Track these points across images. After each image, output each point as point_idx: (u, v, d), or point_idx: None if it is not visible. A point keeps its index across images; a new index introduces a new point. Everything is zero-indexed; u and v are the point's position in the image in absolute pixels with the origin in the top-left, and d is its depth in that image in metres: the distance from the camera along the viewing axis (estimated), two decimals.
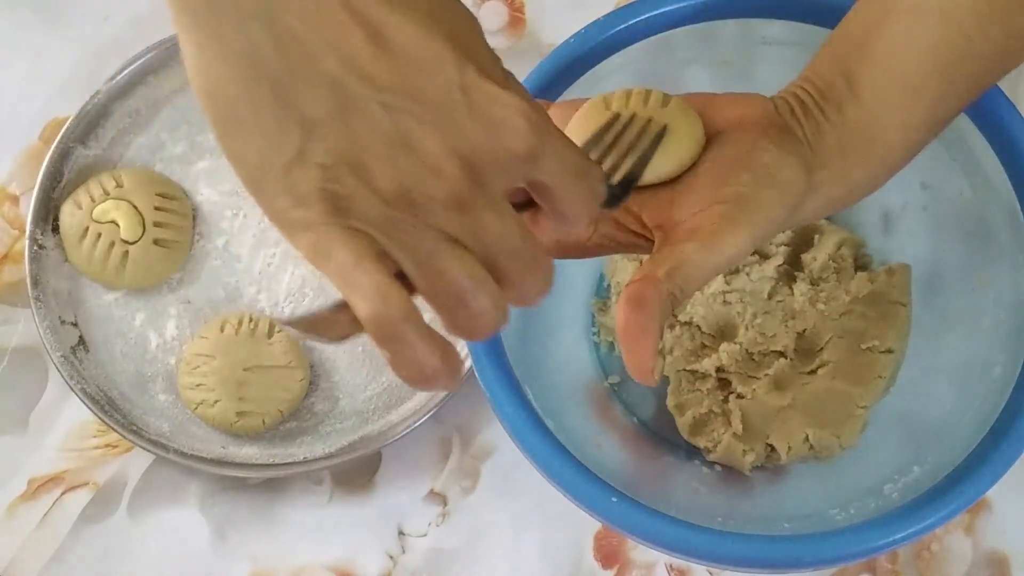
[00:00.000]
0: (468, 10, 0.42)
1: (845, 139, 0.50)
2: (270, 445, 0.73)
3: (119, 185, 0.74)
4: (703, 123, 0.51)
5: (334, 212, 0.39)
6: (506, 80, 0.41)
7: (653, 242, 0.50)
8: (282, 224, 0.41)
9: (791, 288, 0.69)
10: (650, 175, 0.50)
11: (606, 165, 0.49)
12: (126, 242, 0.73)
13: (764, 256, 0.69)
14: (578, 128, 0.52)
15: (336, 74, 0.39)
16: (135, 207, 0.74)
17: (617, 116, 0.51)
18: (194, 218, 0.76)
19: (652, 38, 0.62)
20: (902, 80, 0.50)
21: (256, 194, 0.41)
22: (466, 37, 0.41)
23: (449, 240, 0.40)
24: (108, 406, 0.72)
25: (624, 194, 0.48)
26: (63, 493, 0.73)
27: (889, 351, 0.67)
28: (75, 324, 0.74)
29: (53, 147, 0.75)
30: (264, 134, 0.39)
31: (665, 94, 0.52)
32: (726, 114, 0.51)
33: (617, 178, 0.49)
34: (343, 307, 0.42)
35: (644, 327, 0.46)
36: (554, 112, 0.53)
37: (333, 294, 0.74)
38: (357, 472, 0.73)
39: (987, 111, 0.58)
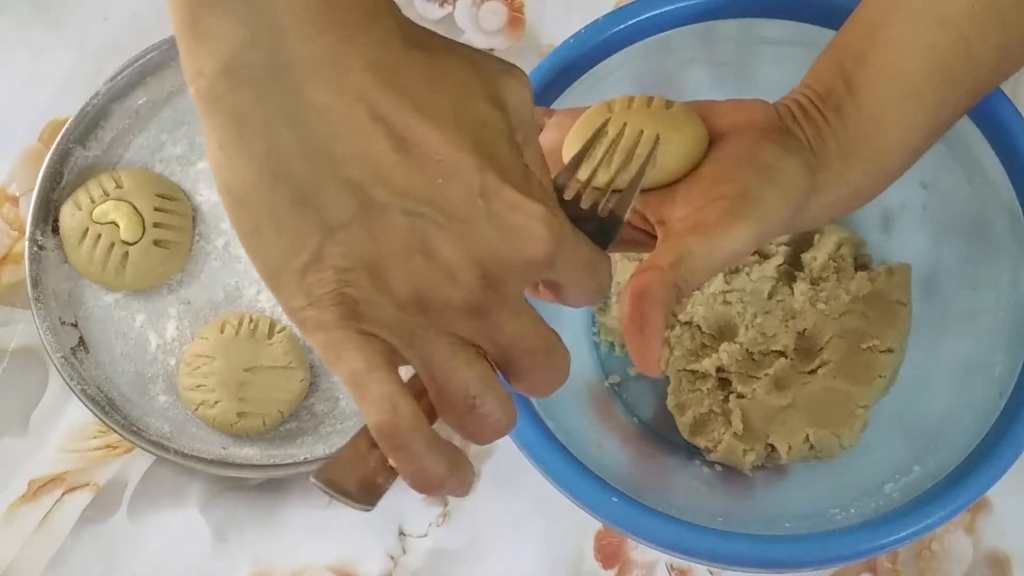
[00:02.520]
0: (494, 110, 0.42)
1: (845, 143, 0.50)
2: (270, 446, 0.73)
3: (119, 186, 0.74)
4: (706, 127, 0.51)
5: (348, 316, 0.40)
6: (526, 182, 0.41)
7: (656, 238, 0.50)
8: (297, 321, 0.41)
9: (791, 288, 0.69)
10: (656, 177, 0.50)
11: (598, 181, 0.49)
12: (126, 243, 0.73)
13: (764, 256, 0.69)
14: (578, 135, 0.52)
15: (359, 180, 0.39)
16: (135, 208, 0.74)
17: (605, 128, 0.51)
18: (194, 219, 0.76)
19: (652, 38, 0.62)
20: (901, 84, 0.50)
21: (274, 290, 0.41)
22: (489, 140, 0.41)
23: (462, 344, 0.41)
24: (108, 407, 0.72)
25: (614, 232, 0.48)
26: (63, 494, 0.73)
27: (889, 351, 0.67)
28: (75, 325, 0.74)
29: (53, 148, 0.75)
30: (283, 235, 0.40)
31: (668, 100, 0.52)
32: (728, 119, 0.51)
33: (604, 209, 0.48)
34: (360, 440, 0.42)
35: (649, 318, 0.46)
36: (556, 119, 0.53)
37: None
38: None
39: (987, 111, 0.58)
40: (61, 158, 0.75)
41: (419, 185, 0.39)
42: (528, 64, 0.62)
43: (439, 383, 0.41)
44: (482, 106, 0.42)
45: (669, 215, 0.49)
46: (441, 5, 0.80)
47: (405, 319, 0.40)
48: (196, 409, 0.72)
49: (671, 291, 0.46)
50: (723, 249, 0.47)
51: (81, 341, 0.74)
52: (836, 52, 0.53)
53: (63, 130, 0.75)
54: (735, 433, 0.67)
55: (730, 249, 0.48)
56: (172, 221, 0.74)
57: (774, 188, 0.49)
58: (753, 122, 0.51)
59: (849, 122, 0.51)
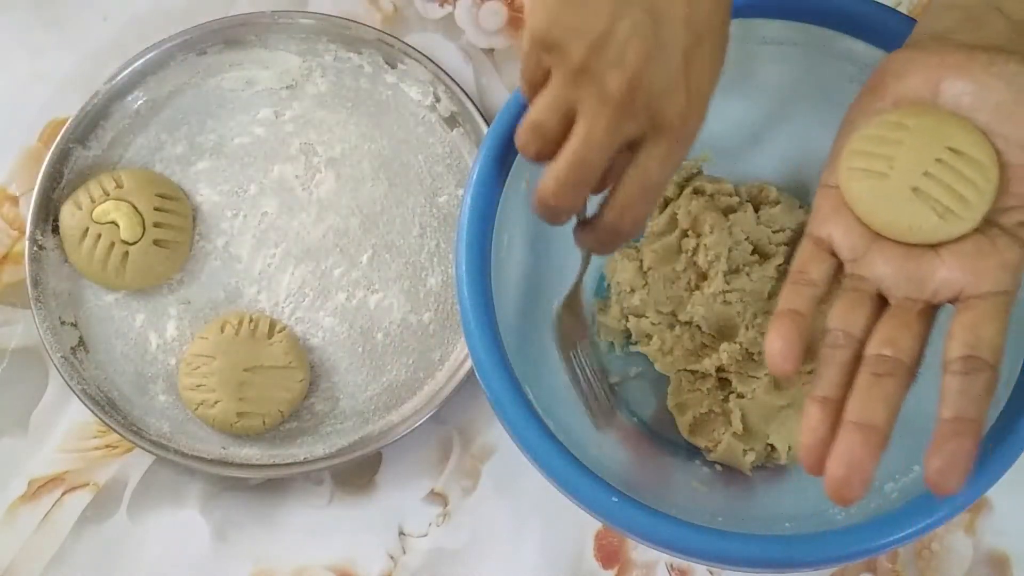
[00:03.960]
0: None
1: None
2: (270, 446, 0.73)
3: (119, 186, 0.74)
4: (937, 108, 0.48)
5: None
6: None
7: None
8: None
9: None
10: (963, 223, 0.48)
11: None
12: (126, 243, 0.73)
13: (764, 256, 0.69)
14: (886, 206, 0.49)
15: None
16: (135, 208, 0.74)
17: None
18: (194, 218, 0.76)
19: None
20: None
21: None
22: None
23: None
24: (108, 407, 0.72)
25: None
26: (63, 494, 0.73)
27: None
28: (75, 325, 0.74)
29: (53, 148, 0.75)
30: None
31: (918, 112, 0.48)
32: (936, 89, 0.49)
33: None
34: None
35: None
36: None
37: (333, 295, 0.74)
38: (357, 472, 0.73)
39: None
40: (61, 158, 0.75)
41: None
42: None
43: None
44: None
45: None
46: (441, 5, 0.79)
47: None
48: (196, 409, 0.72)
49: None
50: None
51: (81, 341, 0.74)
52: None
53: (63, 130, 0.75)
54: (735, 433, 0.67)
55: None
56: (172, 221, 0.74)
57: None
58: (955, 68, 0.49)
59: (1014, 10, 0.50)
